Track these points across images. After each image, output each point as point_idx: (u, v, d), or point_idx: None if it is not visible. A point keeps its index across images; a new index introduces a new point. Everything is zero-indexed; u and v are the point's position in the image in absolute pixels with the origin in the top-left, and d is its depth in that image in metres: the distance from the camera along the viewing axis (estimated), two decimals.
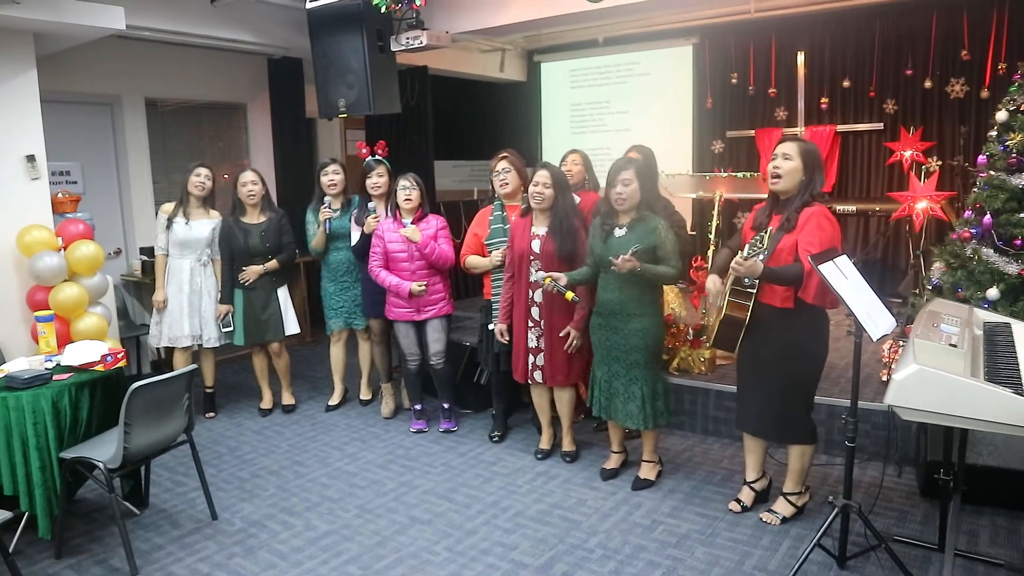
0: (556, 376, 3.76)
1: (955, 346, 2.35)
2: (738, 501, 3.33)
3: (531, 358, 3.79)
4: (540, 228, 3.70)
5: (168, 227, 4.48)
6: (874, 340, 2.54)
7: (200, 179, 4.49)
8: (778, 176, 2.95)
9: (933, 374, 2.07)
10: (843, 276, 2.63)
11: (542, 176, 3.63)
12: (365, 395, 4.98)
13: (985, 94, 5.80)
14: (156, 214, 4.70)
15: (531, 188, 3.66)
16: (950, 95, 6.01)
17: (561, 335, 3.67)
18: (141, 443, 2.99)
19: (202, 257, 4.56)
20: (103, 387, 3.26)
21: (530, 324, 3.76)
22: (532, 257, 3.69)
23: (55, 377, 3.16)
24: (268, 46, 5.77)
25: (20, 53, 4.21)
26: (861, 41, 6.30)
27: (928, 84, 6.04)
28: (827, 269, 2.59)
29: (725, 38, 6.88)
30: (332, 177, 4.58)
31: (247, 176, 4.56)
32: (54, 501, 3.04)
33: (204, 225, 4.53)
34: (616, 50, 7.45)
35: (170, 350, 4.68)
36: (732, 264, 2.82)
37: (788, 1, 5.92)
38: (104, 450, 2.99)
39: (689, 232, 5.56)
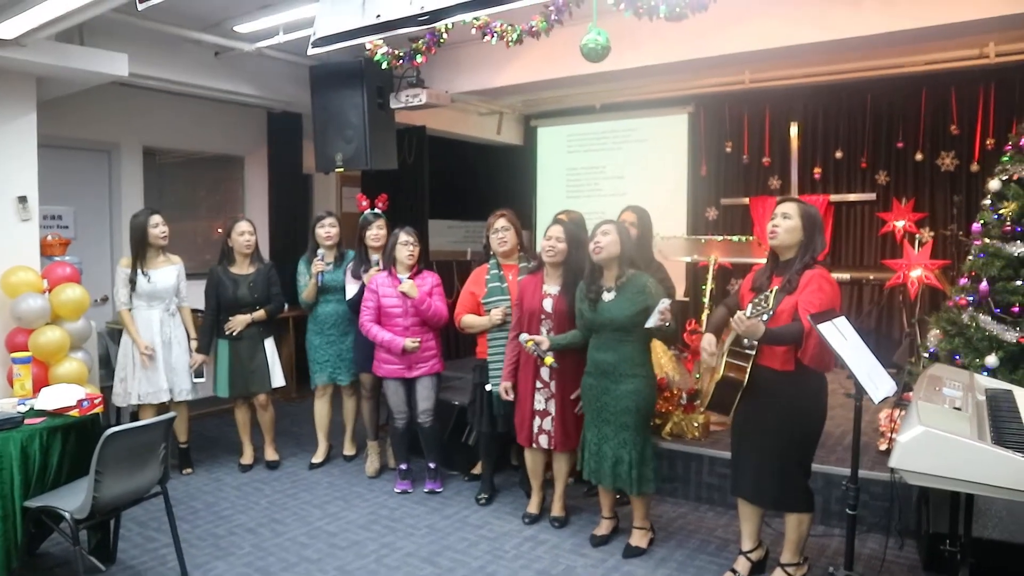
0: (566, 441, 3.63)
1: (959, 409, 2.28)
2: (734, 572, 3.19)
3: (537, 421, 3.66)
4: (552, 287, 3.63)
5: (132, 284, 4.27)
6: (875, 402, 2.48)
7: (159, 228, 4.31)
8: (777, 235, 2.93)
9: (939, 436, 2.00)
10: (842, 337, 2.59)
11: (555, 230, 3.61)
12: (349, 451, 4.85)
13: (975, 168, 5.90)
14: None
15: (543, 242, 3.62)
16: (940, 168, 6.10)
17: (573, 397, 3.57)
18: (112, 493, 2.86)
19: (170, 307, 4.41)
20: (77, 433, 3.14)
21: (539, 385, 3.64)
22: (543, 316, 3.61)
23: (27, 421, 3.04)
24: (269, 99, 5.84)
25: (21, 96, 4.24)
26: (853, 113, 6.44)
27: (919, 157, 6.15)
28: (826, 329, 2.55)
29: (720, 107, 7.02)
30: (328, 230, 4.55)
31: (243, 226, 4.52)
32: (13, 554, 2.87)
33: (168, 273, 4.37)
34: (612, 116, 7.58)
35: (137, 406, 4.40)
36: (733, 320, 2.76)
37: (782, 73, 6.06)
38: (72, 499, 2.86)
39: (681, 297, 5.55)
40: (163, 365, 4.34)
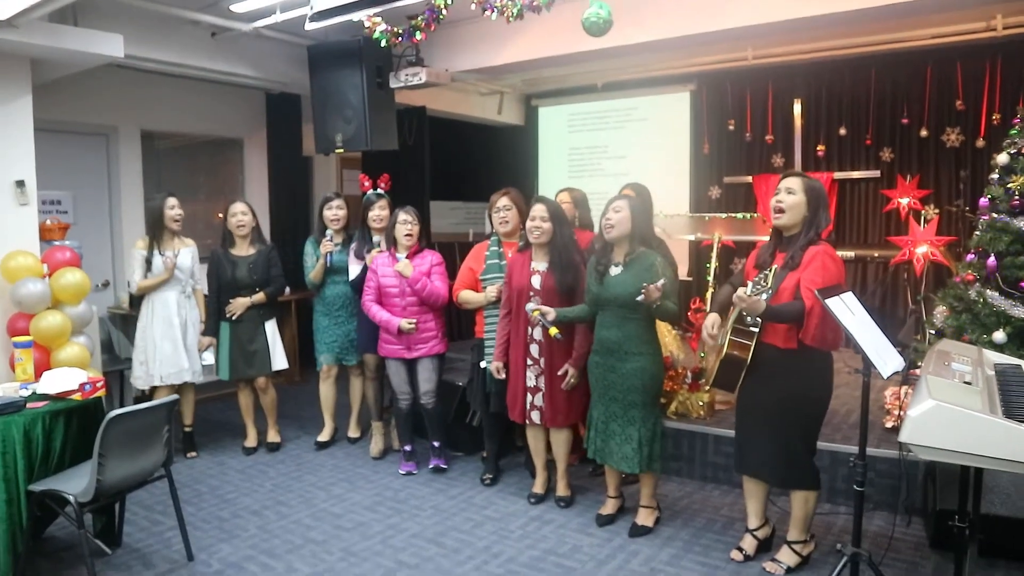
0: (556, 417, 3.64)
1: (970, 383, 2.26)
2: (740, 550, 3.19)
3: (529, 397, 3.67)
4: (540, 264, 3.62)
5: (148, 265, 4.29)
6: (884, 377, 2.45)
7: (176, 212, 4.36)
8: (780, 210, 2.89)
9: (950, 410, 1.97)
10: (850, 312, 2.55)
11: (539, 210, 3.58)
12: (354, 433, 4.85)
13: (980, 143, 5.83)
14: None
15: (528, 222, 3.60)
16: (946, 144, 6.03)
17: (560, 373, 3.56)
18: (116, 476, 2.85)
19: (186, 289, 4.44)
20: (80, 417, 3.12)
21: (529, 362, 3.65)
22: (532, 293, 3.59)
23: (29, 405, 3.03)
24: (267, 81, 5.77)
25: (16, 78, 4.17)
26: (857, 90, 6.35)
27: (924, 133, 6.07)
28: (834, 304, 2.51)
29: (722, 85, 6.93)
30: (336, 212, 4.54)
31: (237, 207, 4.51)
32: (18, 537, 2.87)
33: (183, 255, 4.40)
34: (614, 95, 7.49)
35: (152, 387, 4.43)
36: (734, 297, 2.74)
37: (785, 49, 5.97)
38: (76, 483, 2.85)
39: (684, 276, 5.50)
40: (182, 346, 4.36)
